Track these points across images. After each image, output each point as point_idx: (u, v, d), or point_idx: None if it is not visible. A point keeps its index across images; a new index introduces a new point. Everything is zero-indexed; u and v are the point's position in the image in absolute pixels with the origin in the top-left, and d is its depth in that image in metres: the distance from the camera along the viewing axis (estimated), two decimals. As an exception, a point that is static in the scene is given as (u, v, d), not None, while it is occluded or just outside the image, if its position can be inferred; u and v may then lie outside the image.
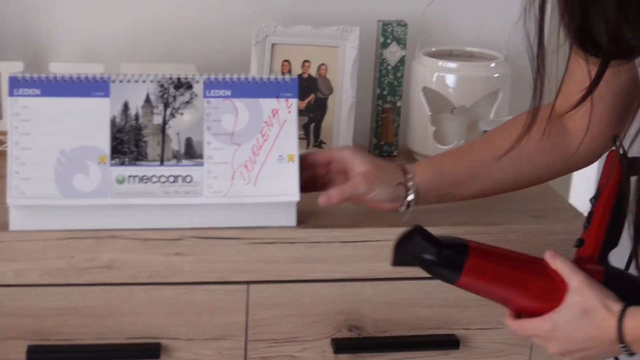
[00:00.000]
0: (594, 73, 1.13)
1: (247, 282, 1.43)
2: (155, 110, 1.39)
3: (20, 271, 1.36)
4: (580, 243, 1.29)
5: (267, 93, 1.41)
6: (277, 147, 1.41)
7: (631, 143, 1.19)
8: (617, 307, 1.16)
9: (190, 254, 1.40)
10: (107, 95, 1.38)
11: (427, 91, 1.72)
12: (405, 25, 1.73)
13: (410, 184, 1.38)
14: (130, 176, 1.38)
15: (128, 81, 1.39)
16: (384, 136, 1.76)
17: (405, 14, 1.77)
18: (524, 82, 1.87)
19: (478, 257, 1.25)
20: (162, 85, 1.40)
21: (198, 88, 1.40)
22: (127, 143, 1.38)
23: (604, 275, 1.23)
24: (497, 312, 1.30)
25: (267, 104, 1.41)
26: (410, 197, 1.38)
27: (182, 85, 1.40)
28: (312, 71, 1.67)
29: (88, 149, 1.37)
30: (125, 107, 1.39)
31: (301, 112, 1.63)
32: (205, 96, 1.40)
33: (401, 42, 1.73)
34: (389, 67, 1.73)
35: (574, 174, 2.17)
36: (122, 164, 1.38)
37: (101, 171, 1.37)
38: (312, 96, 1.68)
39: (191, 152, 1.39)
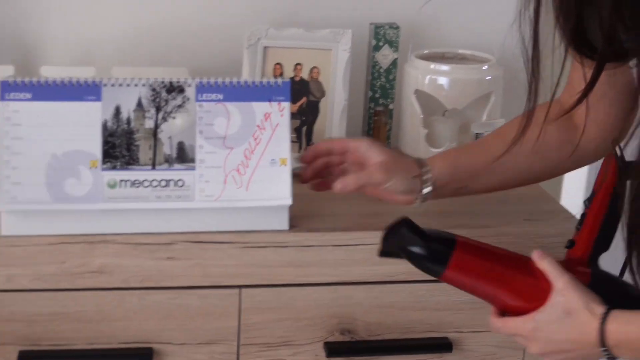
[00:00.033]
0: (589, 76, 1.13)
1: (240, 286, 1.42)
2: (147, 114, 1.39)
3: (11, 276, 1.36)
4: (570, 244, 1.29)
5: (260, 96, 1.41)
6: (269, 150, 1.40)
7: (625, 145, 1.19)
8: (600, 310, 1.16)
9: (182, 259, 1.39)
10: (98, 99, 1.38)
11: (419, 94, 1.72)
12: (397, 28, 1.73)
13: (426, 176, 1.37)
14: (121, 180, 1.37)
15: (120, 85, 1.39)
16: (375, 139, 1.75)
17: (397, 17, 1.77)
18: (516, 84, 1.88)
19: (465, 252, 1.25)
20: (154, 89, 1.39)
21: (190, 92, 1.40)
22: (118, 147, 1.38)
23: (590, 277, 1.23)
24: (490, 315, 1.30)
25: (260, 108, 1.41)
26: (427, 189, 1.37)
27: (174, 89, 1.40)
28: (304, 74, 1.67)
29: (79, 153, 1.37)
30: (117, 111, 1.38)
31: (293, 115, 1.63)
32: (197, 100, 1.40)
33: (393, 44, 1.72)
34: (381, 70, 1.73)
35: (566, 175, 2.18)
36: (114, 168, 1.37)
37: (93, 175, 1.37)
38: (304, 99, 1.68)
39: (183, 156, 1.39)
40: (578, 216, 1.41)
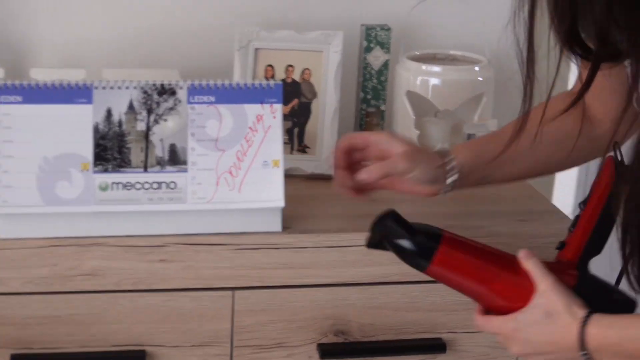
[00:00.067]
0: (584, 76, 1.13)
1: (233, 288, 1.42)
2: (138, 117, 1.38)
3: (2, 280, 1.35)
4: (561, 246, 1.29)
5: (252, 99, 1.41)
6: (261, 152, 1.40)
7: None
8: (581, 313, 1.15)
9: (174, 261, 1.39)
10: (89, 102, 1.38)
11: (410, 95, 1.72)
12: (388, 29, 1.72)
13: (451, 165, 1.36)
14: (113, 183, 1.37)
15: (111, 88, 1.38)
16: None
17: (388, 18, 1.77)
18: (508, 85, 1.88)
19: (451, 247, 1.24)
20: (145, 92, 1.39)
21: (182, 94, 1.39)
22: (110, 150, 1.37)
23: (576, 280, 1.23)
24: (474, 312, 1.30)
25: (252, 110, 1.40)
26: (453, 178, 1.36)
27: (166, 91, 1.39)
28: (296, 76, 1.67)
29: (71, 156, 1.36)
30: (109, 113, 1.38)
31: (285, 117, 1.62)
32: (189, 102, 1.39)
33: (385, 46, 1.72)
34: (373, 72, 1.73)
35: (557, 176, 2.18)
36: (105, 170, 1.37)
37: (84, 178, 1.36)
38: (295, 101, 1.67)
39: (175, 158, 1.38)
40: (571, 217, 1.42)
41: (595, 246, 1.27)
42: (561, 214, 1.55)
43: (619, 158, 1.22)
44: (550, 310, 1.17)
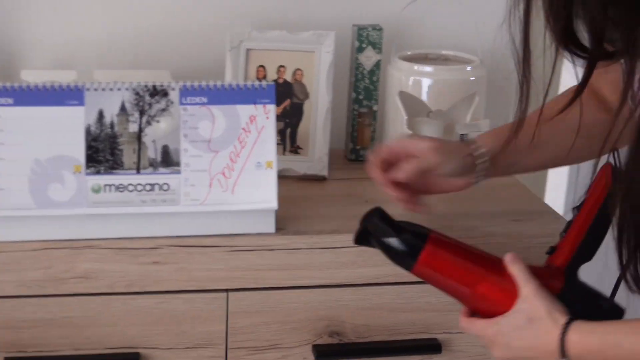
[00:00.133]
0: (580, 75, 1.13)
1: (227, 290, 1.41)
2: (130, 118, 1.37)
3: (-4, 283, 1.35)
4: (551, 250, 1.28)
5: (244, 99, 1.40)
6: (255, 153, 1.39)
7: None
8: (562, 319, 1.15)
9: (168, 263, 1.38)
10: (81, 103, 1.37)
11: (403, 95, 1.72)
12: (380, 29, 1.72)
13: (479, 152, 1.35)
14: (106, 185, 1.36)
15: (103, 89, 1.37)
16: (360, 141, 1.76)
17: (379, 18, 1.77)
18: (500, 85, 1.88)
19: (436, 246, 1.24)
20: (137, 93, 1.38)
21: (174, 95, 1.39)
22: (102, 152, 1.36)
23: (562, 287, 1.22)
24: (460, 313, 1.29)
25: (245, 111, 1.40)
26: (484, 164, 1.36)
27: (158, 92, 1.39)
28: (288, 76, 1.66)
29: (63, 158, 1.35)
30: (100, 115, 1.37)
31: (277, 118, 1.61)
32: (181, 103, 1.39)
33: (377, 46, 1.72)
34: (365, 72, 1.73)
35: (549, 176, 2.18)
36: (98, 172, 1.36)
37: (77, 181, 1.35)
38: (287, 101, 1.67)
39: (168, 159, 1.38)
40: (566, 217, 1.42)
41: (586, 253, 1.26)
42: (555, 214, 1.55)
43: (617, 164, 1.21)
44: (532, 315, 1.17)
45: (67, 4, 1.75)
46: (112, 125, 1.37)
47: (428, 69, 1.71)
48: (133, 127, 1.37)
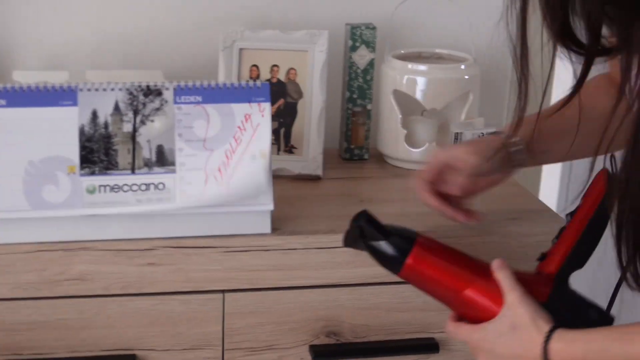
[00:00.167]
0: (578, 71, 1.13)
1: (223, 291, 1.40)
2: (124, 118, 1.36)
3: (-11, 285, 1.34)
4: (542, 257, 1.28)
5: (239, 99, 1.39)
6: (250, 153, 1.38)
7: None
8: (546, 327, 1.15)
9: (163, 264, 1.37)
10: (75, 104, 1.36)
11: (397, 94, 1.71)
12: (374, 28, 1.71)
13: (512, 140, 1.35)
14: (100, 185, 1.35)
15: (96, 90, 1.36)
16: (354, 140, 1.75)
17: (373, 17, 1.76)
18: (495, 83, 1.88)
19: (424, 249, 1.24)
20: (131, 93, 1.37)
21: (168, 95, 1.38)
22: (96, 152, 1.35)
23: (549, 294, 1.22)
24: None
25: (240, 109, 1.39)
26: (520, 153, 1.35)
27: (152, 92, 1.37)
28: (281, 76, 1.65)
29: (57, 159, 1.34)
30: (94, 115, 1.36)
31: (271, 117, 1.61)
32: (175, 102, 1.38)
33: (370, 45, 1.71)
34: (359, 71, 1.72)
35: (543, 176, 2.18)
36: (92, 173, 1.35)
37: (71, 181, 1.34)
38: (281, 101, 1.66)
39: (163, 159, 1.37)
40: (562, 215, 1.41)
41: (577, 260, 1.26)
42: (552, 213, 1.54)
43: (613, 170, 1.21)
44: (515, 323, 1.17)
45: (58, 5, 1.73)
46: (106, 126, 1.36)
47: (422, 67, 1.70)
48: (127, 127, 1.36)
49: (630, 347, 1.10)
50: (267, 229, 1.41)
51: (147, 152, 1.36)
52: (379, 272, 1.42)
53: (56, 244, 1.34)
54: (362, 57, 1.72)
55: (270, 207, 1.39)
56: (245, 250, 1.39)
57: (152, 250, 1.36)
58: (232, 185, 1.37)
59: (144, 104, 1.37)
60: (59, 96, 1.35)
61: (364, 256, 1.40)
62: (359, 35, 1.71)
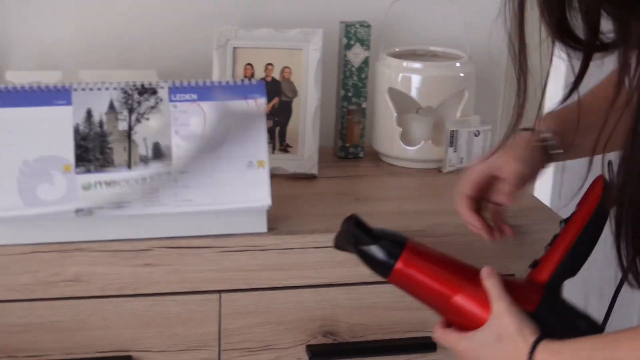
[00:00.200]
0: (577, 68, 1.12)
1: (219, 291, 1.39)
2: (119, 116, 1.35)
3: (-16, 287, 1.32)
4: (534, 264, 1.27)
5: (235, 96, 1.38)
6: (247, 152, 1.37)
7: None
8: (532, 338, 1.15)
9: (160, 265, 1.36)
10: (69, 103, 1.34)
11: (392, 92, 1.70)
12: (368, 26, 1.70)
13: (544, 134, 1.33)
14: (96, 182, 1.33)
15: (91, 89, 1.35)
16: (349, 138, 1.74)
17: (367, 15, 1.75)
18: (490, 80, 1.87)
19: (414, 254, 1.23)
20: (125, 92, 1.36)
21: (163, 93, 1.37)
22: (92, 150, 1.34)
23: (538, 304, 1.21)
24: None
25: (236, 107, 1.38)
26: (554, 146, 1.33)
27: (147, 90, 1.36)
28: (276, 74, 1.65)
29: (52, 158, 1.33)
30: (89, 114, 1.35)
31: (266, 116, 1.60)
32: (171, 100, 1.36)
33: (365, 43, 1.70)
34: (353, 69, 1.71)
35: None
36: (88, 171, 1.34)
37: (66, 180, 1.33)
38: (276, 100, 1.65)
39: (159, 155, 1.35)
40: (560, 213, 1.40)
41: (569, 269, 1.25)
42: (549, 211, 1.54)
43: (610, 178, 1.19)
44: (501, 333, 1.17)
45: (50, 4, 1.72)
46: (101, 124, 1.35)
47: (417, 65, 1.69)
48: (123, 125, 1.35)
49: (615, 353, 1.09)
50: (263, 228, 1.40)
51: (143, 149, 1.35)
52: (376, 271, 1.42)
53: (51, 245, 1.33)
54: (356, 55, 1.71)
55: (266, 206, 1.38)
56: (242, 250, 1.38)
57: (148, 251, 1.35)
58: (230, 193, 1.36)
59: (139, 103, 1.36)
60: (53, 96, 1.35)
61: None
62: (354, 33, 1.70)
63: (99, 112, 1.35)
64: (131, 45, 1.74)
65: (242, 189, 1.37)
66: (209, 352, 1.41)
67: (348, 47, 1.70)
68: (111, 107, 1.35)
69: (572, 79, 1.16)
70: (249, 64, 1.64)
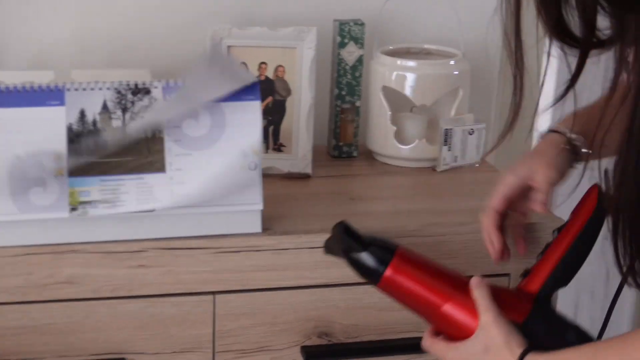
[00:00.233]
0: (573, 66, 1.12)
1: (213, 293, 1.39)
2: (113, 116, 1.34)
3: (-24, 290, 1.31)
4: (525, 273, 1.26)
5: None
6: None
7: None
8: (519, 350, 1.15)
9: (153, 266, 1.35)
10: (62, 103, 1.33)
11: (386, 90, 1.69)
12: (362, 24, 1.70)
13: (570, 135, 1.31)
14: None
15: (84, 89, 1.34)
16: (342, 137, 1.73)
17: (360, 13, 1.74)
18: (484, 78, 1.87)
19: (403, 261, 1.23)
20: (119, 92, 1.35)
21: (157, 93, 1.36)
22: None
23: (527, 315, 1.20)
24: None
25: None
26: (581, 146, 1.31)
27: (140, 90, 1.36)
28: (269, 73, 1.64)
29: (45, 159, 1.31)
30: (82, 114, 1.34)
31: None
32: (164, 100, 1.35)
33: (359, 41, 1.70)
34: (347, 67, 1.70)
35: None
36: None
37: (58, 181, 1.31)
38: (270, 98, 1.64)
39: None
40: (555, 212, 1.40)
41: (560, 279, 1.24)
42: (545, 209, 1.53)
43: (605, 187, 1.19)
44: (489, 344, 1.17)
45: (42, 3, 1.71)
46: (94, 124, 1.34)
47: (411, 63, 1.69)
48: (116, 124, 1.34)
49: None
50: (257, 228, 1.39)
51: (136, 149, 1.35)
52: (371, 271, 1.41)
53: (44, 247, 1.32)
54: (350, 53, 1.70)
55: (260, 206, 1.37)
56: (236, 251, 1.37)
57: (142, 252, 1.34)
58: (223, 194, 1.35)
59: (133, 102, 1.35)
60: (45, 96, 1.33)
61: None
62: (348, 32, 1.69)
63: (93, 112, 1.34)
64: (124, 44, 1.73)
65: (235, 189, 1.36)
66: (203, 353, 1.40)
67: (342, 45, 1.70)
68: (104, 107, 1.34)
69: (563, 77, 1.15)
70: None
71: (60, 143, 1.32)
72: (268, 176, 1.56)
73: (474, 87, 1.77)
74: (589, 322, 2.19)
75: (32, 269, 1.32)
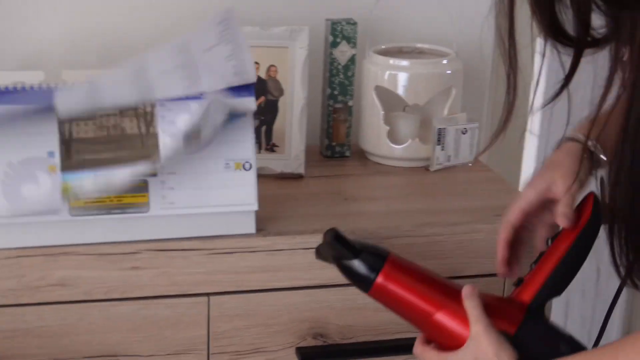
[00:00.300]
0: (567, 65, 1.11)
1: (208, 294, 1.38)
2: (105, 116, 1.34)
3: (-32, 293, 1.30)
4: (518, 283, 1.25)
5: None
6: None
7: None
8: None
9: (147, 268, 1.34)
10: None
11: (379, 90, 1.69)
12: (354, 23, 1.69)
13: (589, 143, 1.26)
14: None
15: (76, 89, 1.33)
16: (335, 137, 1.73)
17: (352, 12, 1.74)
18: (477, 78, 1.86)
19: (395, 269, 1.22)
20: (111, 92, 1.34)
21: (150, 93, 1.35)
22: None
23: (519, 326, 1.19)
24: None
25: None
26: (599, 152, 1.27)
27: (133, 90, 1.35)
28: (262, 73, 1.63)
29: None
30: (73, 115, 1.33)
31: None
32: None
33: (351, 40, 1.69)
34: (340, 67, 1.70)
35: (523, 170, 2.17)
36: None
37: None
38: (262, 98, 1.63)
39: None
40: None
41: (554, 288, 1.22)
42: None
43: (601, 196, 1.18)
44: (479, 356, 1.16)
45: (31, 4, 1.69)
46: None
47: (404, 62, 1.68)
48: (107, 125, 1.33)
49: None
50: (251, 229, 1.38)
51: (129, 150, 1.34)
52: (366, 272, 1.40)
53: (36, 250, 1.31)
54: (343, 52, 1.69)
55: (255, 207, 1.37)
56: (230, 252, 1.37)
57: (136, 254, 1.34)
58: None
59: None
60: (37, 96, 1.32)
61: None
62: (340, 31, 1.68)
63: (85, 113, 1.33)
64: (115, 44, 1.72)
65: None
66: (197, 355, 1.39)
67: (334, 44, 1.69)
68: (97, 108, 1.33)
69: (557, 76, 1.15)
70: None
71: (52, 143, 1.31)
72: (261, 177, 1.54)
73: (467, 87, 1.76)
74: (580, 321, 2.20)
75: (24, 272, 1.31)
